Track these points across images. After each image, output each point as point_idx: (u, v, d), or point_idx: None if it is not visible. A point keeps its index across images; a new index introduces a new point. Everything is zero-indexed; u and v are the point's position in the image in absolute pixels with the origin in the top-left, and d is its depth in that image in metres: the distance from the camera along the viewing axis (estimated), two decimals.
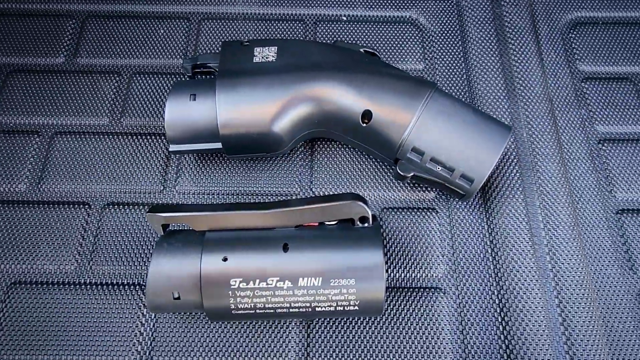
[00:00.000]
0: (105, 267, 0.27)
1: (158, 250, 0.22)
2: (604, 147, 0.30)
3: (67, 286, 0.26)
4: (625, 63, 0.33)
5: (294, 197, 0.29)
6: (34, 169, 0.29)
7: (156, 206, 0.23)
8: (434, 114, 0.25)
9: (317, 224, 0.23)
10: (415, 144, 0.25)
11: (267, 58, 0.26)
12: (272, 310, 0.21)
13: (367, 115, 0.25)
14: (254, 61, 0.26)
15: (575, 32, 0.34)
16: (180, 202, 0.28)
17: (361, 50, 0.28)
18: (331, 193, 0.29)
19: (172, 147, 0.26)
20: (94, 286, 0.26)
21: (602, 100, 0.32)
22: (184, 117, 0.25)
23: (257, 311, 0.21)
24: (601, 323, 0.25)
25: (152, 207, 0.22)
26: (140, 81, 0.32)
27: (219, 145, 0.26)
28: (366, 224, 0.22)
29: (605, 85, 0.32)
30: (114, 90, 0.32)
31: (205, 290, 0.21)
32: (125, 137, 0.30)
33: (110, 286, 0.26)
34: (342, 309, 0.22)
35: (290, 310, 0.21)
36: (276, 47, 0.27)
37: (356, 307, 0.22)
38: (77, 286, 0.26)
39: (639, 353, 0.25)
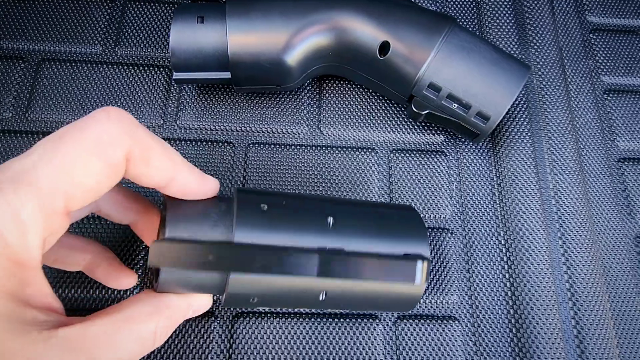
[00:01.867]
0: None
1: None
2: (608, 98, 0.30)
3: None
4: (632, 16, 0.33)
5: (301, 135, 0.28)
6: (20, 97, 0.27)
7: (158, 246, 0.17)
8: (453, 50, 0.24)
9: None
10: (432, 80, 0.24)
11: None
12: None
13: (384, 47, 0.24)
14: None
15: None
16: (181, 138, 0.27)
17: None
18: (340, 134, 0.28)
19: (177, 75, 0.25)
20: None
21: (609, 52, 0.32)
22: (191, 41, 0.24)
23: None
24: (600, 264, 0.26)
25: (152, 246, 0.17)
26: (136, 8, 0.30)
27: (227, 74, 0.25)
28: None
29: (612, 37, 0.32)
30: (107, 16, 0.29)
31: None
32: (120, 67, 0.28)
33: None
34: None
35: None
36: None
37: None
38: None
39: (634, 292, 0.26)
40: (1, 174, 0.14)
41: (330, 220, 0.19)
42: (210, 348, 0.23)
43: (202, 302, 0.19)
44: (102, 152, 0.15)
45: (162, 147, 0.17)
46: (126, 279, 0.22)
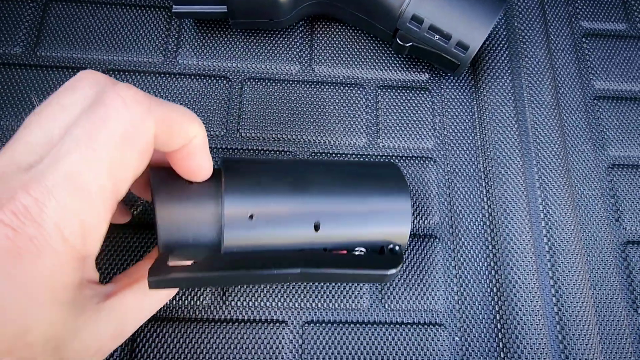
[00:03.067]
0: None
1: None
2: (586, 41, 0.32)
3: None
4: None
5: (293, 75, 0.29)
6: (29, 34, 0.29)
7: (157, 269, 0.18)
8: None
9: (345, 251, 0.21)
10: (415, 12, 0.26)
11: None
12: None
13: None
14: None
15: None
16: (181, 72, 0.29)
17: None
18: (330, 72, 0.30)
19: (176, 8, 0.26)
20: None
21: (589, 4, 0.33)
22: None
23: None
24: (573, 190, 0.28)
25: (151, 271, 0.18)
26: None
27: (223, 8, 0.26)
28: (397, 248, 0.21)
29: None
30: None
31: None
32: (123, 7, 0.30)
33: None
34: None
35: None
36: None
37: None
38: None
39: (603, 217, 0.27)
40: (42, 184, 0.15)
41: (316, 223, 0.20)
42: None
43: None
44: (134, 145, 0.16)
45: (178, 114, 0.17)
46: (121, 217, 0.24)
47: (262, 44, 0.30)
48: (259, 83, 0.29)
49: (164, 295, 0.20)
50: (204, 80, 0.29)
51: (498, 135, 0.29)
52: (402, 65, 0.30)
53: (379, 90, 0.30)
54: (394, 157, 0.28)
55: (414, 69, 0.30)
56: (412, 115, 0.29)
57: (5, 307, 0.14)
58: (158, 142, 0.17)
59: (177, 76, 0.29)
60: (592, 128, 0.30)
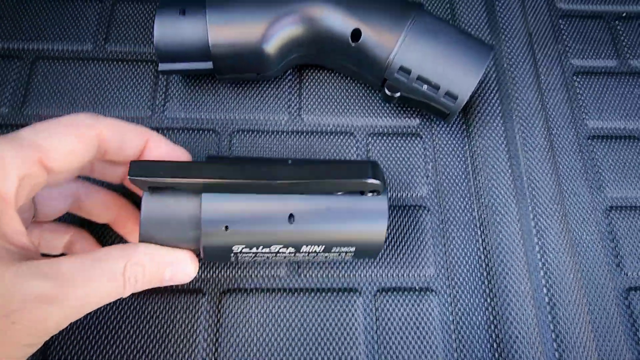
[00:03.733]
0: None
1: (147, 214, 0.20)
2: (577, 79, 0.32)
3: None
4: (599, 2, 0.34)
5: (283, 123, 0.29)
6: (16, 94, 0.29)
7: (138, 164, 0.19)
8: (420, 33, 0.25)
9: None
10: (402, 63, 0.26)
11: None
12: (269, 259, 0.22)
13: (356, 34, 0.26)
14: None
15: None
16: (169, 127, 0.29)
17: None
18: (320, 121, 0.29)
19: (162, 67, 0.26)
20: None
21: (577, 36, 0.33)
22: (174, 33, 0.25)
23: (256, 260, 0.22)
24: (571, 235, 0.27)
25: (133, 164, 0.18)
26: (124, 7, 0.31)
27: (209, 64, 0.26)
28: (375, 194, 0.21)
29: (580, 22, 0.33)
30: (97, 15, 0.31)
31: (206, 252, 0.20)
32: (110, 63, 0.30)
33: None
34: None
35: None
36: None
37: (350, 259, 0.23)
38: None
39: (603, 262, 0.27)
40: None
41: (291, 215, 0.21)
42: (199, 323, 0.24)
43: (182, 266, 0.20)
44: (75, 130, 0.19)
45: (131, 124, 0.20)
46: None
47: (250, 95, 0.30)
48: (247, 135, 0.29)
49: (118, 273, 0.18)
50: (193, 134, 0.29)
51: (492, 182, 0.28)
52: (392, 112, 0.30)
53: (370, 138, 0.29)
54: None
55: (405, 115, 0.30)
56: (404, 162, 0.29)
57: None
58: (109, 144, 0.20)
59: (166, 131, 0.28)
60: (587, 169, 0.29)
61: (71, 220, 0.25)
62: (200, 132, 0.29)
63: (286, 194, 0.20)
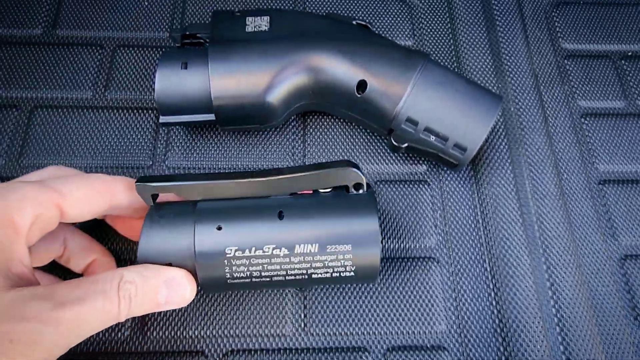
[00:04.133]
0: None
1: (149, 221, 0.21)
2: (586, 121, 0.31)
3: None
4: (604, 41, 0.34)
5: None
6: (13, 144, 0.28)
7: (145, 177, 0.22)
8: (428, 84, 0.25)
9: (311, 191, 0.23)
10: (409, 114, 0.25)
11: (259, 27, 0.26)
12: (268, 279, 0.21)
13: (362, 85, 0.25)
14: (247, 30, 0.26)
15: (557, 11, 0.35)
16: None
17: (354, 22, 0.28)
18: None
19: (163, 119, 0.25)
20: None
21: (584, 77, 0.33)
22: (175, 86, 0.25)
23: (253, 280, 0.21)
24: (587, 287, 0.26)
25: (141, 177, 0.22)
26: (124, 54, 0.31)
27: (211, 116, 0.26)
28: (361, 191, 0.22)
29: (586, 63, 0.33)
30: (97, 63, 0.31)
31: (200, 260, 0.20)
32: (110, 111, 0.29)
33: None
34: (338, 275, 0.22)
35: (287, 277, 0.21)
36: (269, 17, 0.26)
37: (352, 273, 0.22)
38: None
39: (621, 315, 0.26)
40: None
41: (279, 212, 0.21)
42: None
43: (176, 284, 0.20)
44: (92, 182, 0.20)
45: (80, 186, 0.20)
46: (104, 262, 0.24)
47: (253, 143, 0.29)
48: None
49: (113, 292, 0.18)
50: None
51: (503, 232, 0.27)
52: (398, 158, 0.29)
53: (376, 185, 0.28)
54: (393, 259, 0.27)
55: (412, 161, 0.29)
56: (411, 210, 0.28)
57: None
58: (69, 212, 0.19)
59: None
60: (600, 216, 0.28)
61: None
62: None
63: (274, 195, 0.22)
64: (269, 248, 0.20)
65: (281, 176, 0.21)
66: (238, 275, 0.21)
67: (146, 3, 0.33)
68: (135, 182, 0.21)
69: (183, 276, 0.20)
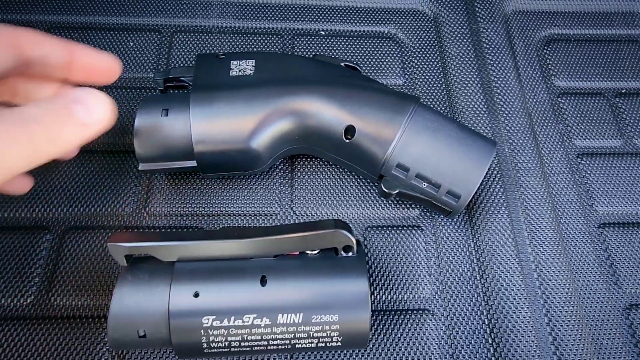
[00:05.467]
0: (66, 299, 0.24)
1: (121, 283, 0.20)
2: (582, 161, 0.30)
3: (23, 321, 0.23)
4: (597, 79, 0.33)
5: (274, 216, 0.27)
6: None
7: (118, 234, 0.20)
8: (418, 129, 0.24)
9: (297, 253, 0.21)
10: (400, 160, 0.24)
11: (244, 72, 0.25)
12: (248, 348, 0.20)
13: (350, 130, 0.24)
14: (231, 74, 0.25)
15: (549, 49, 0.34)
16: (151, 225, 0.26)
17: (342, 64, 0.27)
18: (313, 212, 0.27)
19: (142, 167, 0.24)
20: (53, 320, 0.24)
21: (578, 115, 0.32)
22: (155, 133, 0.24)
23: (232, 349, 0.20)
24: (590, 340, 0.25)
25: (113, 234, 0.20)
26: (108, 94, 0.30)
27: (193, 163, 0.24)
28: (350, 253, 0.21)
29: (580, 101, 0.32)
30: None
31: (175, 328, 0.19)
32: (87, 154, 0.28)
33: (71, 319, 0.24)
34: (323, 344, 0.20)
35: (269, 347, 0.20)
36: (254, 61, 0.26)
37: (339, 343, 0.20)
38: (35, 320, 0.23)
39: None
40: None
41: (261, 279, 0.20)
42: None
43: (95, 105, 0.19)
44: None
45: (54, 37, 0.19)
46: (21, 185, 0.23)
47: (238, 188, 0.28)
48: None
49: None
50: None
51: (501, 281, 0.26)
52: (389, 202, 0.28)
53: (367, 232, 0.27)
54: (386, 312, 0.25)
55: (403, 205, 0.28)
56: (403, 258, 0.27)
57: None
58: (31, 50, 0.18)
59: (147, 229, 0.26)
60: (601, 262, 0.27)
61: None
62: (186, 230, 0.27)
63: (257, 257, 0.20)
64: (249, 318, 0.19)
65: (264, 238, 0.20)
66: (215, 345, 0.19)
67: (132, 44, 0.32)
68: (108, 241, 0.20)
69: (93, 90, 0.19)
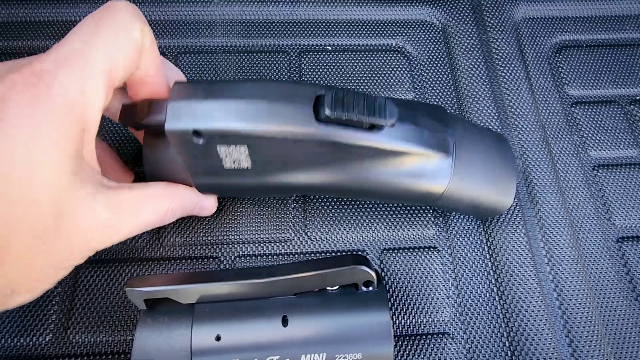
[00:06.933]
0: (84, 335, 0.24)
1: (141, 328, 0.19)
2: (598, 173, 0.30)
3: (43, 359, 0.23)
4: (611, 86, 0.33)
5: (288, 242, 0.27)
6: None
7: (136, 278, 0.20)
8: (463, 162, 0.23)
9: (316, 289, 0.21)
10: (451, 195, 0.24)
11: (239, 164, 0.21)
12: None
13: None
14: (225, 167, 0.21)
15: (561, 56, 0.34)
16: (165, 257, 0.26)
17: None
18: (327, 237, 0.27)
19: None
20: (73, 358, 0.24)
21: (593, 125, 0.31)
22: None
23: None
24: (613, 358, 0.25)
25: (131, 279, 0.20)
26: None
27: None
28: (370, 287, 0.21)
29: (594, 109, 0.32)
30: None
31: None
32: None
33: (90, 357, 0.24)
34: None
35: None
36: (246, 146, 0.20)
37: None
38: (55, 359, 0.23)
39: None
40: (53, 56, 0.17)
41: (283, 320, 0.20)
42: None
43: (208, 203, 0.24)
44: (129, 39, 0.19)
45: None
46: (125, 177, 0.25)
47: (251, 215, 0.28)
48: (251, 260, 0.26)
49: (163, 209, 0.21)
50: (191, 263, 0.26)
51: (520, 302, 0.26)
52: (405, 223, 0.28)
53: (383, 254, 0.27)
54: (405, 337, 0.25)
55: (419, 225, 0.28)
56: (421, 280, 0.26)
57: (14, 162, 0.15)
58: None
59: (161, 261, 0.26)
60: (621, 277, 0.27)
61: None
62: (200, 260, 0.26)
63: (278, 296, 0.20)
64: (272, 359, 0.19)
65: (285, 277, 0.20)
66: None
67: None
68: (125, 286, 0.19)
69: (211, 200, 0.25)
